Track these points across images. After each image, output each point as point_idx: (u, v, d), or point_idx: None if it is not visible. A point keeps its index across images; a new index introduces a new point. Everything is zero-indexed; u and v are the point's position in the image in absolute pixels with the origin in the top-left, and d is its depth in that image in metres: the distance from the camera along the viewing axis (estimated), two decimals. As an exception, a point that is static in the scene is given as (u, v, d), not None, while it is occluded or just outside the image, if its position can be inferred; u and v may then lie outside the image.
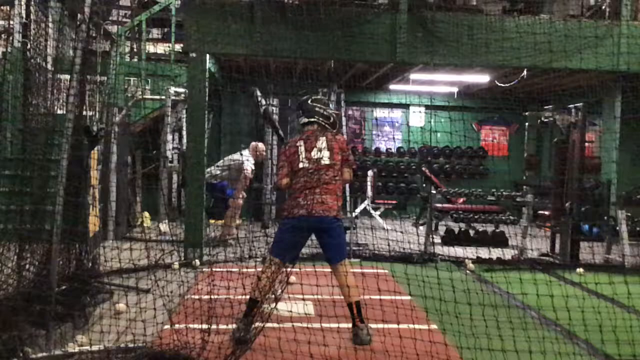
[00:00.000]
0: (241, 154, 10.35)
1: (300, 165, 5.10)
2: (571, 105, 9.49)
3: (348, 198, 12.21)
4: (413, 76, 12.55)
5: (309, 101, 5.32)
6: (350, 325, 5.03)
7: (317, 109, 5.26)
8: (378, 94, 14.85)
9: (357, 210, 12.86)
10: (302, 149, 5.14)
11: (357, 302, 4.99)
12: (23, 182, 5.66)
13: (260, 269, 5.08)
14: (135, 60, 12.60)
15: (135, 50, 13.10)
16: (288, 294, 5.28)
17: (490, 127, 15.85)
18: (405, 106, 15.19)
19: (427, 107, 14.89)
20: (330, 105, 5.41)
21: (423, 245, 9.39)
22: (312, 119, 5.25)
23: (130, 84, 11.36)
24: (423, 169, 14.32)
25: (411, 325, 4.98)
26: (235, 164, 10.32)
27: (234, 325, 4.86)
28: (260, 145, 10.71)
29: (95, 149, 6.42)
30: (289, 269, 5.08)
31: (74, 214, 5.46)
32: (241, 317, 4.90)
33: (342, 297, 5.11)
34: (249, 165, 10.26)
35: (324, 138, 5.15)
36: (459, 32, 8.90)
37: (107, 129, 8.98)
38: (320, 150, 5.10)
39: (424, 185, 14.33)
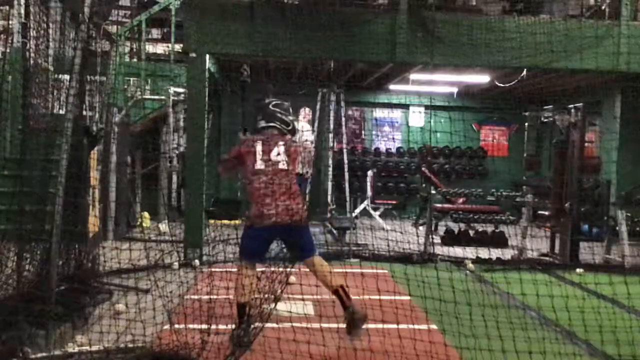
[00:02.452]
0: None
1: (257, 166, 5.02)
2: (571, 105, 9.48)
3: (348, 198, 12.22)
4: (413, 76, 12.54)
5: (270, 106, 5.26)
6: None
7: (277, 114, 5.22)
8: (378, 94, 14.83)
9: (357, 210, 12.85)
10: (259, 149, 5.05)
11: (341, 285, 4.99)
12: (23, 182, 5.65)
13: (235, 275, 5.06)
14: (135, 60, 12.59)
15: (135, 50, 13.10)
16: (287, 294, 5.28)
17: (490, 127, 15.84)
18: (405, 106, 15.18)
19: (426, 107, 14.88)
20: (290, 111, 5.37)
21: (423, 245, 9.39)
22: (272, 124, 5.20)
23: (130, 84, 11.36)
24: (423, 169, 14.32)
25: (411, 326, 4.97)
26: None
27: (231, 332, 4.85)
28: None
29: (95, 149, 6.42)
30: (288, 269, 5.08)
31: (74, 215, 5.46)
32: (236, 324, 4.88)
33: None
34: (308, 136, 9.92)
35: (283, 142, 5.11)
36: (459, 32, 8.90)
37: (106, 129, 8.98)
38: (279, 153, 5.04)
39: (424, 185, 14.33)
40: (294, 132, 5.35)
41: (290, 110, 5.39)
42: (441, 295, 5.03)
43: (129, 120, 10.91)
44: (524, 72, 11.08)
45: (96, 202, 6.52)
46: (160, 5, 12.39)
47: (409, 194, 15.12)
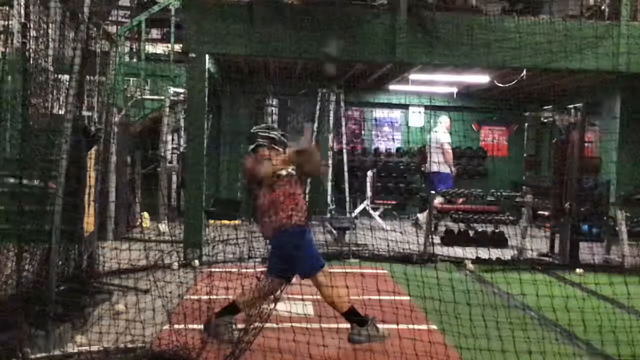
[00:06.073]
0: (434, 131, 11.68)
1: (255, 185, 5.29)
2: (571, 105, 9.48)
3: (348, 198, 12.21)
4: (412, 76, 12.52)
5: (252, 131, 5.54)
6: (348, 325, 5.02)
7: (259, 133, 5.43)
8: (378, 94, 14.83)
9: (357, 211, 12.84)
10: (255, 168, 5.25)
11: (350, 309, 4.96)
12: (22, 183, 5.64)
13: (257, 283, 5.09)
14: (135, 60, 12.60)
15: (134, 50, 13.10)
16: (287, 295, 5.28)
17: (489, 127, 15.83)
18: (405, 106, 15.17)
19: (426, 107, 14.86)
20: (275, 128, 5.84)
21: (422, 245, 9.39)
22: (257, 143, 5.37)
23: (129, 84, 11.36)
24: (423, 169, 14.31)
25: (410, 326, 4.97)
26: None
27: (209, 321, 4.89)
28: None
29: (93, 149, 6.42)
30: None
31: (70, 214, 5.46)
32: (217, 313, 4.92)
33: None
34: (446, 139, 11.47)
35: (274, 156, 5.24)
36: (458, 32, 8.89)
37: (106, 129, 8.97)
38: (272, 170, 5.17)
39: (424, 185, 14.31)
40: (282, 143, 5.41)
41: (275, 127, 5.99)
42: (441, 295, 5.04)
43: (128, 120, 10.90)
44: (524, 73, 11.08)
45: (92, 202, 6.49)
46: (160, 5, 12.40)
47: (409, 194, 15.11)
